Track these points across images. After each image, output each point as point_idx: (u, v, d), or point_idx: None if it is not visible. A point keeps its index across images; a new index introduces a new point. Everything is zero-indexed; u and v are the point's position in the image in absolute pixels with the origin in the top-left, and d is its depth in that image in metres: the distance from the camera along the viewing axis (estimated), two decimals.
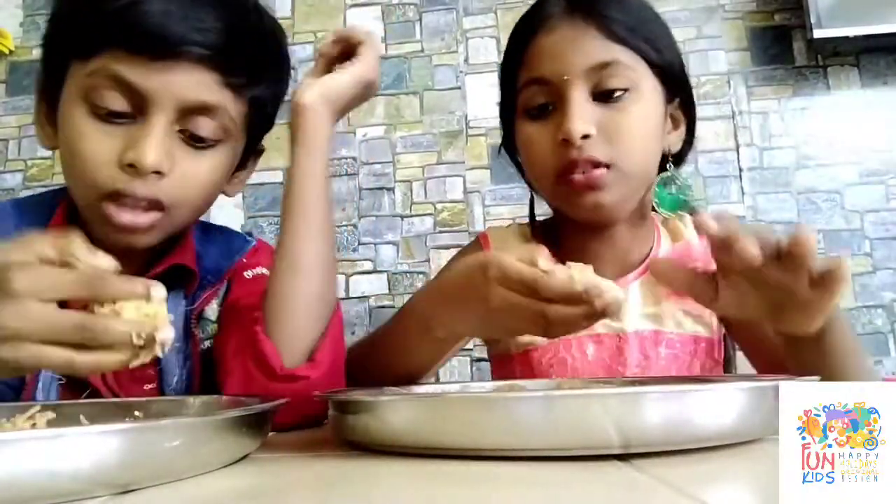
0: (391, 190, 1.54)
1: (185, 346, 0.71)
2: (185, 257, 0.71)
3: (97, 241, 0.64)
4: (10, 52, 1.62)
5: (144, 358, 0.43)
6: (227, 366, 0.64)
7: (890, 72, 1.47)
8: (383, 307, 1.49)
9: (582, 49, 0.70)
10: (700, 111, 1.46)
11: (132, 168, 0.61)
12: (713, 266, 0.58)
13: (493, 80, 1.52)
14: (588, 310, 0.47)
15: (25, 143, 1.60)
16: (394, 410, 0.44)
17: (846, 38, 1.38)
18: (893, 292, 1.40)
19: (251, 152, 0.75)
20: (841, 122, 1.46)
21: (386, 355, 0.67)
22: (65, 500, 0.33)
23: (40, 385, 0.64)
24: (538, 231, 0.84)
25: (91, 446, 0.34)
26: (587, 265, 0.49)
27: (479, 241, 0.86)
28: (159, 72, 0.60)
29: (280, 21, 0.74)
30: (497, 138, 1.54)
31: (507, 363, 0.81)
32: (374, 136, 1.55)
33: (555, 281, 0.48)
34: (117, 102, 0.61)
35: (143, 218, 0.63)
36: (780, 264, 0.50)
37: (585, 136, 0.68)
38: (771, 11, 1.51)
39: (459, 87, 1.53)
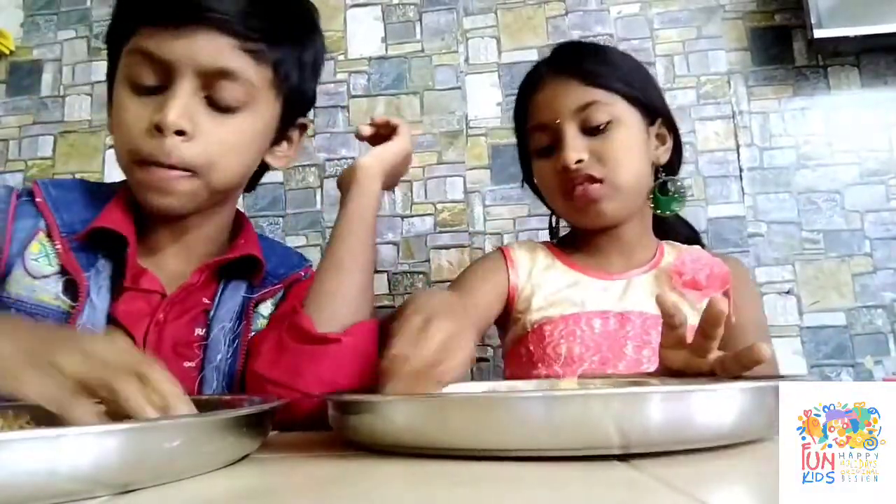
0: (391, 190, 1.54)
1: (237, 326, 0.75)
2: (255, 250, 0.77)
3: (143, 209, 0.73)
4: (11, 52, 1.61)
5: None
6: (260, 344, 0.69)
7: (890, 72, 1.46)
8: (383, 307, 1.48)
9: (566, 96, 0.89)
10: (700, 111, 1.48)
11: (158, 131, 0.65)
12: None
13: (493, 80, 1.51)
14: None
15: (25, 143, 1.60)
16: (394, 411, 0.44)
17: (846, 38, 1.37)
18: (894, 292, 1.39)
19: (290, 124, 0.79)
20: (841, 122, 1.45)
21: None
22: (64, 500, 0.33)
23: None
24: (557, 243, 1.02)
25: (91, 446, 0.34)
26: None
27: (502, 252, 0.99)
28: (180, 41, 0.65)
29: None
30: (497, 138, 1.54)
31: (522, 340, 0.92)
32: None
33: None
34: (148, 76, 0.66)
35: (175, 180, 0.67)
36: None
37: (579, 161, 0.86)
38: (771, 11, 1.51)
39: (459, 87, 1.53)
